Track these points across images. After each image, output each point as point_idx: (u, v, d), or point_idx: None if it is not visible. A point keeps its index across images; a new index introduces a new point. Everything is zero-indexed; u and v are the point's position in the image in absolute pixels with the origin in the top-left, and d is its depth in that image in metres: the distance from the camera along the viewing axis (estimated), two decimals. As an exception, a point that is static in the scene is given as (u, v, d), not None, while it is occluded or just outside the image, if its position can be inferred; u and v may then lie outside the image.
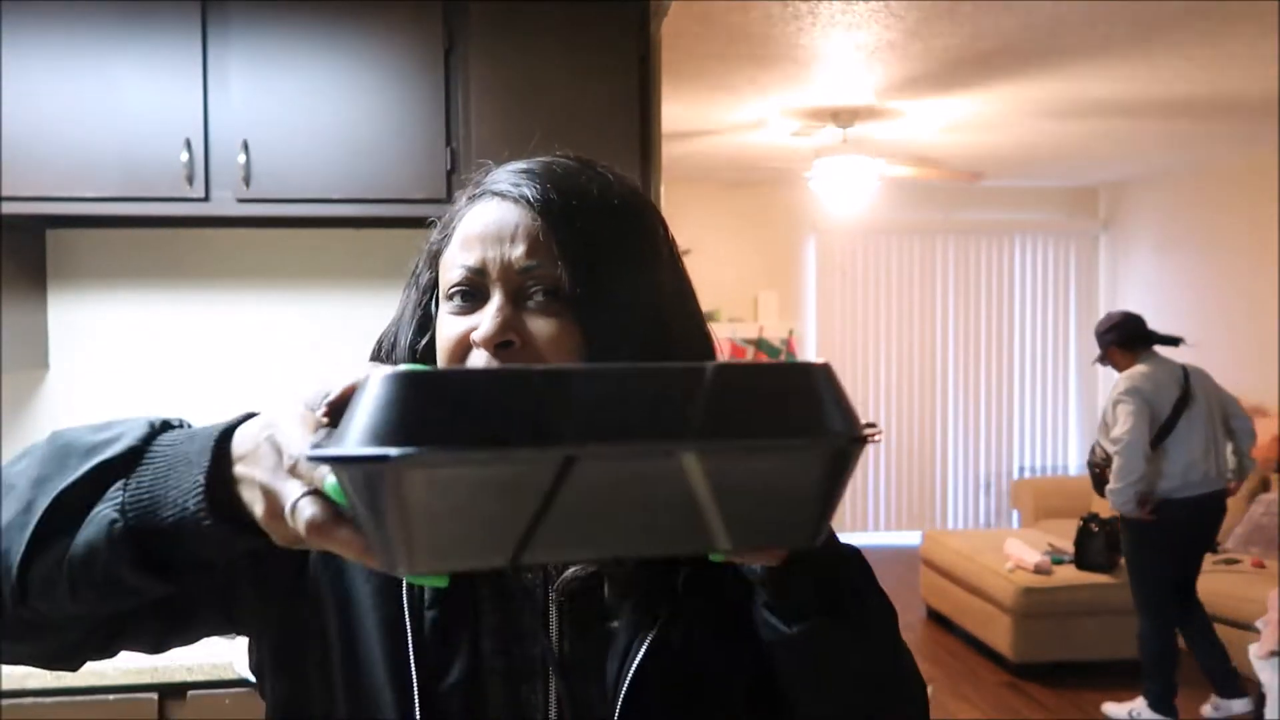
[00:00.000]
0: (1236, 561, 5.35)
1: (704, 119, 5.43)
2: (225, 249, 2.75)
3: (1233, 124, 5.59)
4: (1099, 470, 4.52)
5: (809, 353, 8.03)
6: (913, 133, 5.74)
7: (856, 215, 7.34)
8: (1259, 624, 4.06)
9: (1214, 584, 5.16)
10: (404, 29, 2.41)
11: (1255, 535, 5.52)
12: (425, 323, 0.90)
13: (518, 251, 0.84)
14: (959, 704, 4.69)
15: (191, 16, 2.35)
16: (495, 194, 0.87)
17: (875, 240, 8.05)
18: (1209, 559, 5.42)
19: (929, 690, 3.79)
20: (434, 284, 0.90)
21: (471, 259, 0.85)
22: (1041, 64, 4.36)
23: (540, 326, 0.83)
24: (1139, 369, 4.42)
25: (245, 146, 2.36)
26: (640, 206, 0.92)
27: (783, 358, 7.84)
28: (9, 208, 2.32)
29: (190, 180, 2.35)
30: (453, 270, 0.86)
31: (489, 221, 0.86)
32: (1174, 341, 4.50)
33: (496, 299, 0.84)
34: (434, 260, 0.90)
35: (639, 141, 2.42)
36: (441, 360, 0.86)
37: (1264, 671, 3.91)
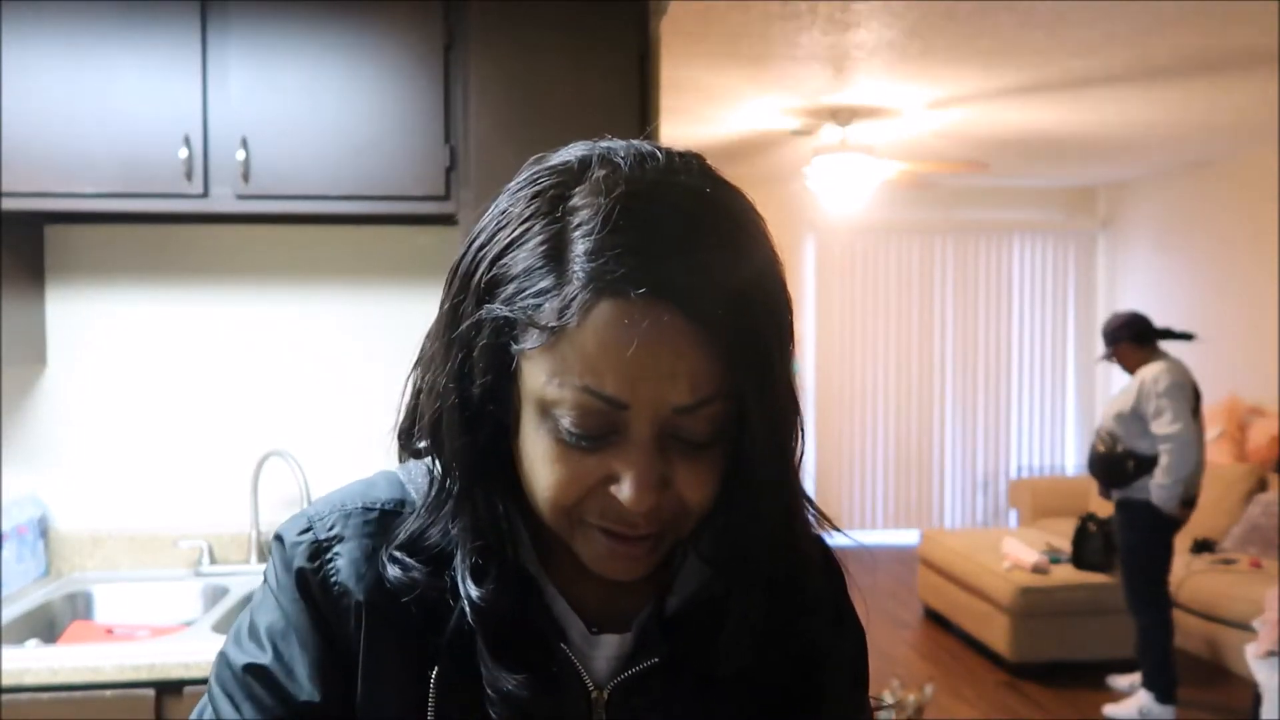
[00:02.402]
0: (1234, 561, 5.36)
1: (703, 117, 5.43)
2: (224, 246, 2.75)
3: (1231, 123, 5.59)
4: (1125, 463, 4.42)
5: (807, 351, 8.04)
6: (911, 131, 5.74)
7: (855, 214, 7.35)
8: (1256, 624, 4.06)
9: (1211, 583, 5.17)
10: (404, 26, 2.41)
11: (1253, 535, 5.53)
12: (481, 417, 0.70)
13: (680, 390, 0.63)
14: (956, 703, 4.69)
15: (191, 13, 2.35)
16: (641, 290, 0.62)
17: (874, 239, 8.05)
18: (1206, 558, 5.44)
19: (928, 688, 3.81)
20: (501, 366, 0.67)
21: (613, 389, 0.63)
22: (1041, 63, 4.36)
23: (692, 470, 0.67)
24: (1163, 366, 4.40)
25: (244, 143, 2.36)
26: (781, 271, 0.70)
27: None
28: (8, 203, 2.32)
29: (189, 176, 2.35)
30: (577, 394, 0.64)
31: (640, 344, 0.62)
32: (1187, 337, 4.49)
33: (644, 444, 0.65)
34: (505, 337, 0.66)
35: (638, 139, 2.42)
36: (548, 497, 0.68)
37: (1260, 671, 3.92)
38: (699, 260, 0.63)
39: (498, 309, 0.65)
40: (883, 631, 5.79)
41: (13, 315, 2.51)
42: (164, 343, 2.73)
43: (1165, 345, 4.53)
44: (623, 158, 0.68)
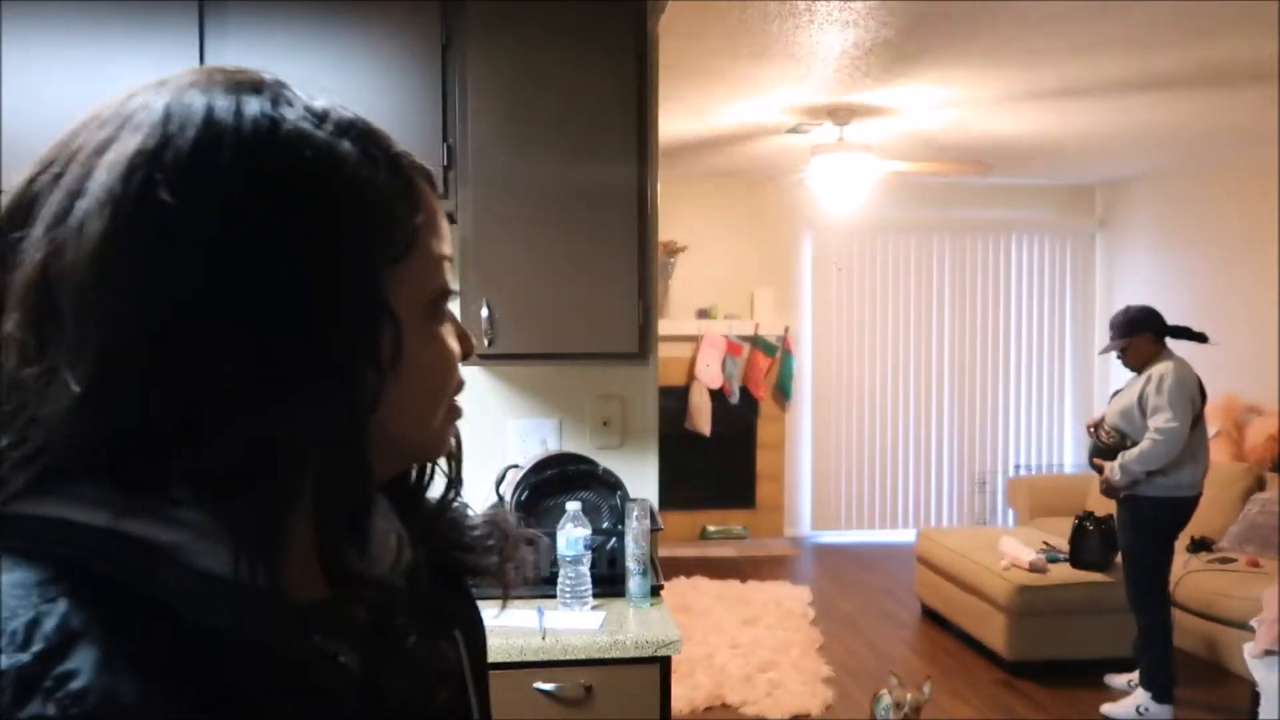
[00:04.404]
0: (1232, 560, 5.36)
1: (701, 116, 5.43)
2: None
3: (1230, 122, 5.59)
4: (1116, 455, 4.40)
5: (805, 349, 8.04)
6: (910, 130, 5.74)
7: (853, 213, 7.34)
8: (1253, 622, 4.07)
9: (1209, 583, 5.18)
10: (401, 25, 2.41)
11: (1251, 534, 5.53)
12: (377, 332, 0.63)
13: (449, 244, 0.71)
14: (954, 702, 4.69)
15: (189, 12, 2.35)
16: (425, 176, 0.70)
17: (871, 238, 8.06)
18: (1203, 557, 5.44)
19: (926, 687, 3.80)
20: (376, 273, 0.63)
21: (449, 250, 0.70)
22: (1038, 62, 4.36)
23: None
24: (1173, 364, 4.38)
25: (241, 142, 2.35)
26: None
27: (779, 354, 7.85)
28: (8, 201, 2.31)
29: (186, 175, 2.34)
30: (441, 269, 0.69)
31: (439, 211, 0.71)
32: (1202, 338, 4.45)
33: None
34: (375, 265, 0.63)
35: (635, 138, 2.42)
36: (454, 380, 0.71)
37: (1258, 670, 3.93)
38: None
39: (357, 239, 0.62)
40: (880, 630, 5.79)
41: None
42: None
43: (1172, 345, 4.50)
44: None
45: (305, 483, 0.60)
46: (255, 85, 0.63)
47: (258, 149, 0.59)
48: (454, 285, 0.71)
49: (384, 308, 0.62)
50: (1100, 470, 4.47)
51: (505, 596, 0.82)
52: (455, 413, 0.73)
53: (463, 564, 0.81)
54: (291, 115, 0.62)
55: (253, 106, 0.61)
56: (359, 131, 0.65)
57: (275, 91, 0.63)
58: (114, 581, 0.56)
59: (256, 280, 0.57)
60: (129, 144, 0.58)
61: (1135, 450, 4.32)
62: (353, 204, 0.62)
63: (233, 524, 0.57)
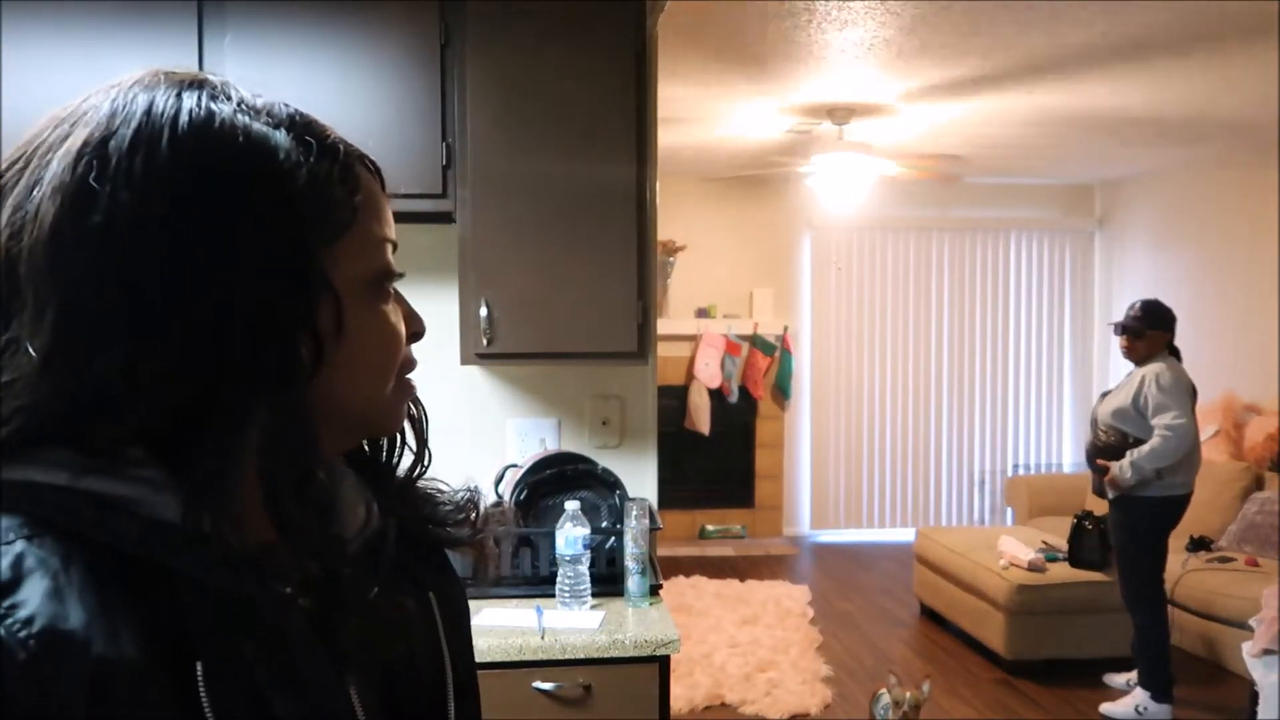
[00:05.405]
0: (1230, 560, 5.36)
1: (700, 115, 5.43)
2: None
3: (1230, 121, 5.59)
4: (1118, 455, 4.38)
5: (804, 349, 8.04)
6: (909, 130, 5.74)
7: (852, 212, 7.34)
8: (1252, 622, 4.07)
9: (1208, 582, 5.18)
10: (400, 24, 2.41)
11: (1249, 534, 5.54)
12: (300, 312, 0.66)
13: (393, 230, 0.77)
14: (952, 701, 4.69)
15: (188, 12, 2.34)
16: (365, 164, 0.75)
17: (871, 237, 8.06)
18: (1202, 556, 5.44)
19: (925, 686, 3.81)
20: (309, 252, 0.67)
21: (392, 233, 0.75)
22: (1038, 61, 4.36)
23: None
24: (1167, 364, 4.40)
25: (240, 141, 2.35)
26: None
27: (778, 354, 7.86)
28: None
29: (185, 175, 2.34)
30: (383, 250, 0.74)
31: (378, 187, 0.75)
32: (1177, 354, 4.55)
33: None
34: (303, 243, 0.67)
35: (634, 138, 2.42)
36: (400, 357, 0.75)
37: (1257, 669, 3.93)
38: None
39: (289, 218, 0.66)
40: (879, 629, 5.79)
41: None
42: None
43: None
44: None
45: (249, 439, 0.65)
46: (196, 83, 0.68)
47: (193, 137, 0.65)
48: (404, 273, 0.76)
49: (322, 280, 0.67)
50: (1104, 471, 4.45)
51: (484, 569, 0.87)
52: (406, 389, 0.77)
53: (436, 536, 0.85)
54: (227, 108, 0.67)
55: (190, 100, 0.66)
56: (295, 123, 0.70)
57: (214, 88, 0.69)
58: (72, 531, 0.61)
59: (196, 255, 0.63)
60: (78, 138, 0.64)
61: (1146, 448, 4.31)
62: (285, 186, 0.67)
63: (183, 477, 0.63)
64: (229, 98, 0.68)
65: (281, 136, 0.68)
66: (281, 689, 0.64)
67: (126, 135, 0.64)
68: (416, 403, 0.80)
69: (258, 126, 0.68)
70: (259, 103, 0.70)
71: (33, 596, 0.57)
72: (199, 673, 0.60)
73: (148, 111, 0.65)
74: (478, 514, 0.86)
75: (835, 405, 8.11)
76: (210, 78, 0.70)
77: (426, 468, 0.83)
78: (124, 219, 0.62)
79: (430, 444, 0.82)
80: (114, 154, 0.63)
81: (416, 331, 0.77)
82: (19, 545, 0.59)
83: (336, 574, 0.71)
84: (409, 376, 0.77)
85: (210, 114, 0.66)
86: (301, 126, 0.70)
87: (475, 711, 0.85)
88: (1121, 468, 4.35)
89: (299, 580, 0.68)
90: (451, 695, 0.80)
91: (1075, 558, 5.11)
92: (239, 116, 0.67)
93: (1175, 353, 4.49)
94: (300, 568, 0.68)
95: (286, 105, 0.72)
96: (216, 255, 0.63)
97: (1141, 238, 7.68)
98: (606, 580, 2.44)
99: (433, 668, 0.80)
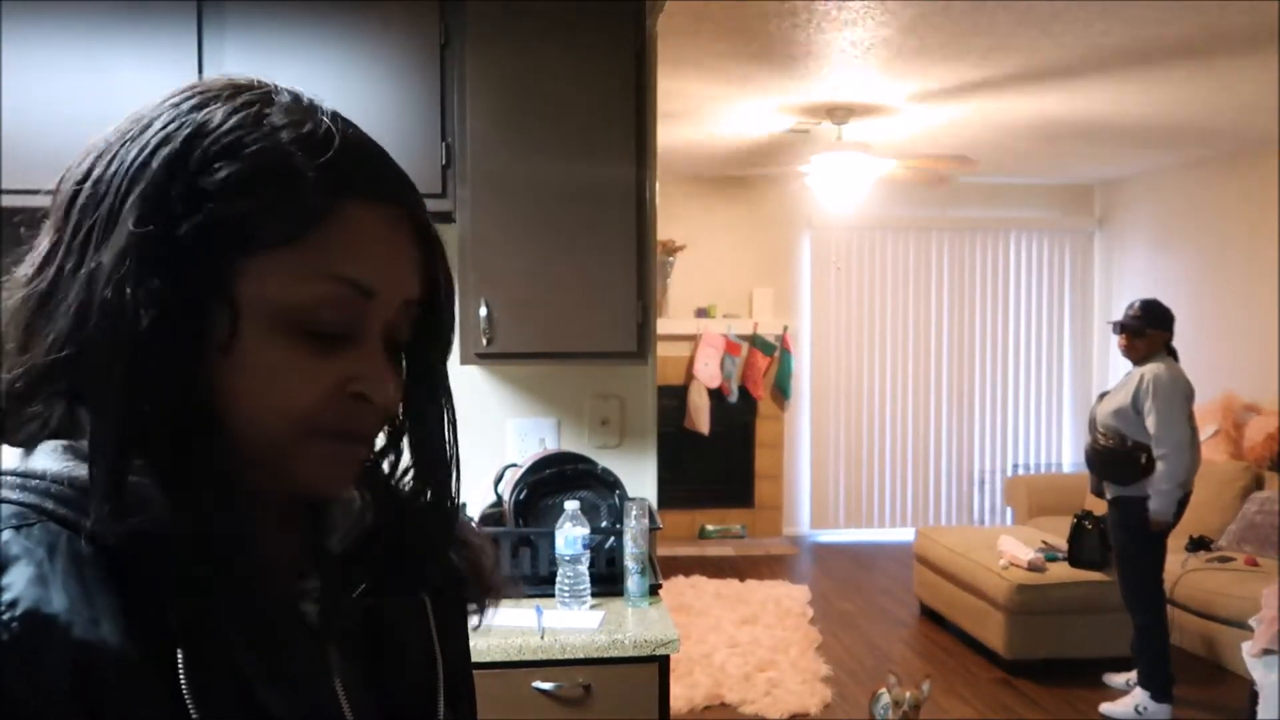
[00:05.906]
0: (1230, 559, 5.36)
1: (699, 114, 5.43)
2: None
3: (1230, 121, 5.60)
4: (1139, 456, 4.35)
5: (804, 349, 8.04)
6: (908, 130, 5.74)
7: (852, 212, 7.34)
8: (1252, 621, 4.07)
9: (1208, 581, 5.18)
10: (400, 24, 2.41)
11: (1249, 533, 5.54)
12: (150, 346, 0.64)
13: (411, 284, 0.71)
14: (952, 701, 4.69)
15: (187, 11, 2.34)
16: (384, 191, 0.70)
17: (870, 237, 8.06)
18: (1202, 556, 5.44)
19: (925, 686, 3.81)
20: (203, 281, 0.65)
21: (365, 275, 0.67)
22: (1037, 61, 4.36)
23: (394, 372, 0.73)
24: (1165, 365, 4.40)
25: (240, 141, 2.35)
26: None
27: (777, 354, 7.86)
28: (8, 200, 2.31)
29: (184, 175, 2.34)
30: (329, 284, 0.66)
31: (385, 238, 0.69)
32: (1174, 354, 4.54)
33: (379, 339, 0.70)
34: (215, 249, 0.65)
35: (634, 137, 2.42)
36: (289, 409, 0.67)
37: (1257, 669, 3.93)
38: (406, 178, 0.71)
39: (204, 220, 0.65)
40: (879, 629, 5.79)
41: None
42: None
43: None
44: (279, 89, 0.71)
45: (140, 416, 0.64)
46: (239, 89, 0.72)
47: (157, 157, 0.69)
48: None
49: (212, 279, 0.65)
50: (1100, 474, 4.49)
51: (481, 610, 0.86)
52: (328, 451, 0.69)
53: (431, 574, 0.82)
54: (214, 129, 0.69)
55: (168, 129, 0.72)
56: (299, 133, 0.68)
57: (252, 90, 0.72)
58: (59, 518, 0.63)
59: (128, 250, 0.64)
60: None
61: (1158, 475, 4.31)
62: (208, 196, 0.65)
63: (90, 452, 0.64)
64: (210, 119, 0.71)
65: (246, 153, 0.66)
66: (263, 677, 0.64)
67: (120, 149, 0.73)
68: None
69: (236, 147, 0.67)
70: (284, 98, 0.70)
71: (17, 581, 0.59)
72: (179, 660, 0.61)
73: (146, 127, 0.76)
74: (480, 569, 0.84)
75: (835, 405, 8.11)
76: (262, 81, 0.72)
77: (452, 513, 0.80)
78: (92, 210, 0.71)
79: (456, 497, 0.80)
80: (98, 172, 0.73)
81: (360, 394, 0.69)
82: (6, 534, 0.61)
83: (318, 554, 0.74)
84: (354, 444, 0.71)
85: (200, 129, 0.70)
86: (301, 138, 0.67)
87: (470, 715, 0.84)
88: (1155, 511, 4.33)
89: (285, 573, 0.71)
90: (441, 698, 0.79)
91: (1075, 557, 5.11)
92: (221, 138, 0.68)
93: (1173, 353, 4.49)
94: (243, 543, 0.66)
95: (323, 115, 0.69)
96: (134, 246, 0.64)
97: (1141, 238, 7.68)
98: (606, 580, 2.44)
99: (424, 670, 0.79)
